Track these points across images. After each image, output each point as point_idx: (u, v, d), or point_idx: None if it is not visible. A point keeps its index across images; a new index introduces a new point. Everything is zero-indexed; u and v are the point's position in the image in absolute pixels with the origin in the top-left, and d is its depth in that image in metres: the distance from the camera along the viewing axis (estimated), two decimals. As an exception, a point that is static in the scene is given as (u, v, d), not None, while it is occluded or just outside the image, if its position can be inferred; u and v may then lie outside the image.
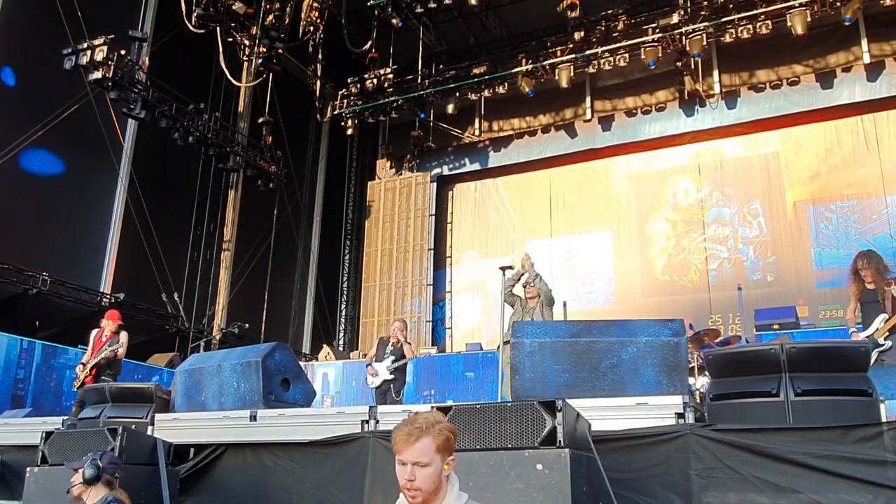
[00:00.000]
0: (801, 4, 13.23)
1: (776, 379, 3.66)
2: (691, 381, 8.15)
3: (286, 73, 16.00)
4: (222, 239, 15.64)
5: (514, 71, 15.95)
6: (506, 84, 16.19)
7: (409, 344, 9.40)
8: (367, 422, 4.90)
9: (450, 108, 16.70)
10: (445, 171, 18.24)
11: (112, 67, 11.67)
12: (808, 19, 13.21)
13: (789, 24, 13.29)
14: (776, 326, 10.58)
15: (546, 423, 3.42)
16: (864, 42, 14.19)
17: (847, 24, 13.45)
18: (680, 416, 4.02)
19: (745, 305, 10.64)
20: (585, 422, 3.80)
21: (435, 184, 17.99)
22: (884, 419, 3.48)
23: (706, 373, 6.64)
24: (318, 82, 17.45)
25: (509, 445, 3.49)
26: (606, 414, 4.21)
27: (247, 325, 14.90)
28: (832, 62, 14.56)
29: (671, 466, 3.91)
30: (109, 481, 4.06)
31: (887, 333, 6.12)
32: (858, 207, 14.30)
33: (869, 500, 3.31)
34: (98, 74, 11.60)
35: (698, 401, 6.30)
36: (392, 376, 9.00)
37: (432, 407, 3.77)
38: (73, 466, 4.09)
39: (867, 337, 6.14)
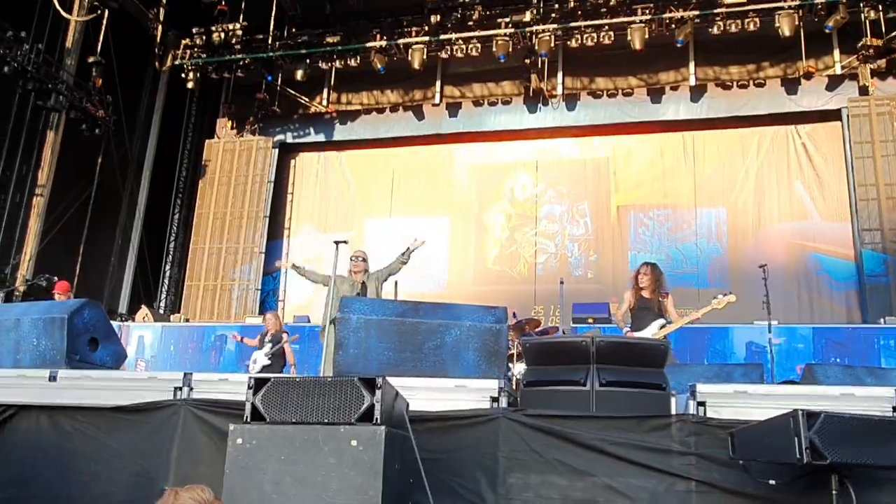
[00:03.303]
0: (641, 21, 14.10)
1: (585, 369, 3.88)
2: (511, 366, 8.50)
3: (125, 14, 14.86)
4: (35, 183, 14.31)
5: (367, 45, 15.76)
6: (358, 57, 15.96)
7: (287, 332, 11.15)
8: (181, 389, 4.69)
9: (299, 75, 16.24)
10: (289, 138, 17.75)
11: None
12: (646, 36, 14.11)
13: (629, 38, 14.13)
14: (591, 320, 11.23)
15: (364, 399, 3.43)
16: (692, 65, 15.37)
17: (679, 45, 14.51)
18: (494, 399, 4.16)
19: (566, 299, 11.25)
20: (404, 401, 3.85)
21: (277, 150, 17.46)
22: (673, 412, 3.79)
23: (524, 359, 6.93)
24: (160, 27, 16.35)
25: (326, 420, 3.47)
26: (426, 394, 4.29)
27: (55, 279, 13.76)
28: (663, 80, 15.63)
29: (481, 448, 4.05)
30: None
31: (663, 336, 6.69)
32: (672, 216, 15.49)
33: (653, 485, 3.60)
34: None
35: (515, 386, 6.58)
36: (269, 362, 10.56)
37: (250, 378, 3.66)
38: None
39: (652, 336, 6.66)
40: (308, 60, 16.15)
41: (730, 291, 7.03)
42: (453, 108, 16.71)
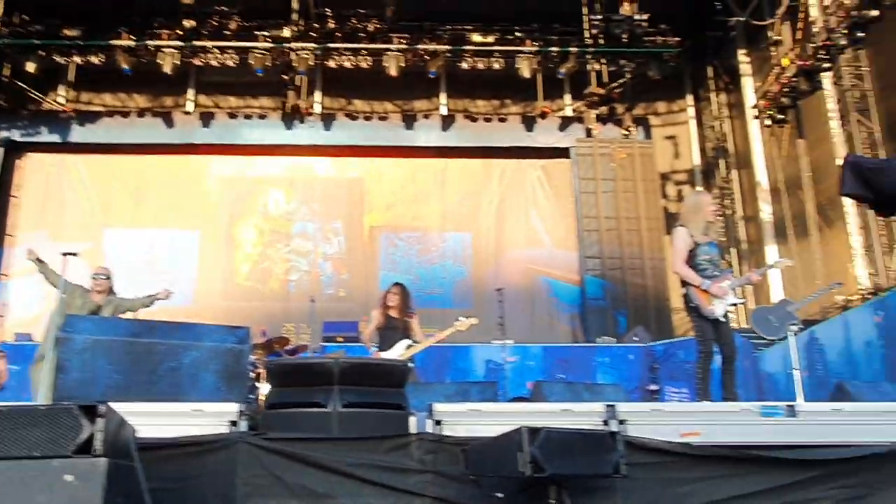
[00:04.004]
0: (397, 50, 14.56)
1: (328, 391, 3.84)
2: (259, 387, 8.21)
3: None
4: None
5: (112, 43, 14.59)
6: (102, 55, 14.71)
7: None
8: None
9: (31, 67, 14.59)
10: (17, 135, 15.76)
11: None
12: (402, 64, 14.60)
13: (386, 64, 14.51)
14: (341, 339, 11.24)
15: (83, 429, 3.09)
16: (444, 96, 16.18)
17: (432, 76, 15.18)
18: (234, 423, 3.98)
19: (318, 317, 11.19)
20: (130, 428, 3.53)
21: (2, 149, 15.47)
22: (412, 431, 3.87)
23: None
24: None
25: (37, 454, 3.07)
26: (161, 420, 3.98)
27: None
28: (417, 107, 16.25)
29: (219, 475, 3.84)
30: None
31: (409, 356, 6.90)
32: (422, 239, 16.08)
33: (391, 504, 3.65)
34: None
35: (262, 408, 6.35)
36: None
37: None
38: None
39: (399, 357, 6.81)
40: (42, 52, 14.55)
41: (471, 314, 7.38)
42: (207, 118, 15.98)
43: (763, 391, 9.69)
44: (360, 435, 3.77)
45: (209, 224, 15.93)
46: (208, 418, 4.01)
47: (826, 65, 12.09)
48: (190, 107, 15.84)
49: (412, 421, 3.92)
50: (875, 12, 10.61)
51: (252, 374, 7.18)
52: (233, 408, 3.99)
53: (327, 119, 15.98)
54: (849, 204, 12.31)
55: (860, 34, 11.09)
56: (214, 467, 3.84)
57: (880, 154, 11.80)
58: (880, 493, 3.76)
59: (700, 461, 3.76)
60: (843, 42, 11.37)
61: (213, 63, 14.69)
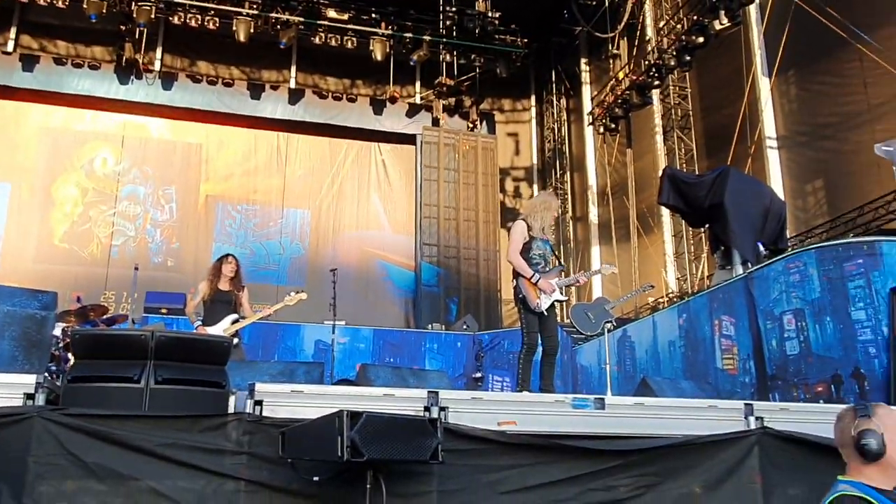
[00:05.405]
0: (247, 15, 13.93)
1: (141, 365, 3.58)
2: (73, 359, 7.58)
3: None
4: None
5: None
6: None
7: None
8: None
9: None
10: None
11: None
12: (251, 30, 13.98)
13: (234, 28, 13.84)
14: (164, 311, 10.67)
15: None
16: (294, 69, 15.72)
17: (282, 47, 14.67)
18: (30, 396, 3.61)
19: (141, 286, 10.48)
20: None
21: None
22: (231, 410, 3.69)
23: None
24: None
25: None
26: (-59, 389, 3.55)
27: None
28: (265, 77, 15.68)
29: (8, 453, 3.47)
30: None
31: (235, 331, 6.63)
32: (260, 213, 15.58)
33: (201, 487, 3.45)
34: None
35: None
36: None
37: None
38: None
39: (224, 332, 6.52)
40: None
41: (302, 290, 7.20)
42: (29, 62, 14.51)
43: (578, 384, 10.24)
44: (174, 413, 3.54)
45: (24, 177, 14.54)
46: (5, 389, 3.61)
47: (656, 82, 12.93)
48: (10, 46, 14.33)
49: (231, 400, 3.73)
50: (701, 39, 11.47)
51: (61, 344, 6.60)
52: (29, 379, 3.62)
53: (167, 78, 15.02)
54: (666, 213, 13.28)
55: (687, 57, 11.95)
56: (4, 445, 3.47)
57: (697, 169, 12.81)
58: (672, 480, 4.06)
59: (513, 449, 3.87)
60: (673, 63, 12.22)
61: (41, 1, 13.33)
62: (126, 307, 13.04)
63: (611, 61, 14.79)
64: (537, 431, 3.97)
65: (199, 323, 6.71)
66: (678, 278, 13.30)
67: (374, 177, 16.49)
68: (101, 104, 14.90)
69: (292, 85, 15.72)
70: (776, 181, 11.28)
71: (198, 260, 14.71)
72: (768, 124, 11.56)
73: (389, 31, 14.99)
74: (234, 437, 3.60)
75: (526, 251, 5.78)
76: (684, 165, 13.09)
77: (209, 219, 15.27)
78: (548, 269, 5.81)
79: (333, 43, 14.65)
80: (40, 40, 14.70)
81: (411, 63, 15.54)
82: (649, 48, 13.19)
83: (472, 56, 15.47)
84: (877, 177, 9.27)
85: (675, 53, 12.14)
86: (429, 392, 3.92)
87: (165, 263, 14.78)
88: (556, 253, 6.35)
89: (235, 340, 6.38)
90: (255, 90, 15.50)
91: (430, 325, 13.34)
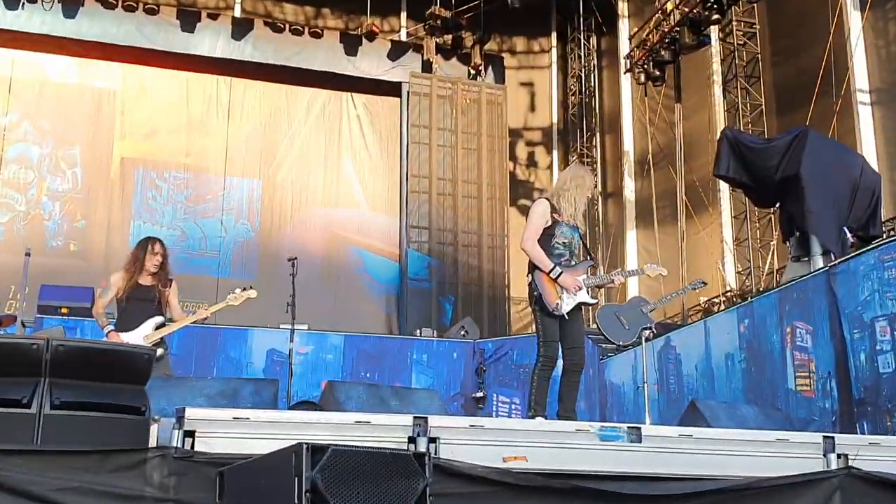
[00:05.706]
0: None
1: (33, 384, 3.57)
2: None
3: None
4: None
5: None
6: None
7: None
8: None
9: None
10: None
11: None
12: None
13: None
14: (64, 311, 10.64)
15: None
16: (240, -9, 15.63)
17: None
18: None
19: (33, 278, 10.42)
20: None
21: None
22: (152, 444, 3.69)
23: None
24: None
25: None
26: None
27: None
28: (200, 2, 15.58)
29: None
30: None
31: (159, 338, 6.64)
32: (194, 182, 15.57)
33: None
34: None
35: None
36: None
37: None
38: None
39: (145, 339, 6.52)
40: None
41: (250, 285, 7.20)
42: None
43: (608, 407, 10.27)
44: (76, 448, 3.54)
45: None
46: None
47: (715, 16, 12.88)
48: None
49: (153, 430, 3.74)
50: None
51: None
52: None
53: (70, 3, 14.85)
54: (724, 188, 13.30)
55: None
56: None
57: (766, 131, 12.82)
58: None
59: (522, 493, 3.88)
60: (738, -10, 12.20)
61: None
62: (13, 305, 13.01)
63: (657, -12, 14.75)
64: (554, 470, 3.99)
65: (112, 327, 6.71)
66: (738, 272, 13.35)
67: (345, 137, 16.47)
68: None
69: (237, 13, 15.65)
70: (869, 147, 11.30)
71: (110, 243, 14.71)
72: (860, 73, 11.56)
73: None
74: (157, 480, 3.61)
75: (547, 238, 5.75)
76: (750, 126, 13.11)
77: (126, 189, 15.24)
78: (573, 262, 5.80)
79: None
80: None
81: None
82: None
83: (476, -23, 15.41)
84: None
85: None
86: (415, 418, 3.94)
87: (67, 248, 14.77)
88: (586, 243, 6.32)
89: (160, 351, 6.38)
90: (188, 19, 15.37)
91: (417, 331, 13.38)
